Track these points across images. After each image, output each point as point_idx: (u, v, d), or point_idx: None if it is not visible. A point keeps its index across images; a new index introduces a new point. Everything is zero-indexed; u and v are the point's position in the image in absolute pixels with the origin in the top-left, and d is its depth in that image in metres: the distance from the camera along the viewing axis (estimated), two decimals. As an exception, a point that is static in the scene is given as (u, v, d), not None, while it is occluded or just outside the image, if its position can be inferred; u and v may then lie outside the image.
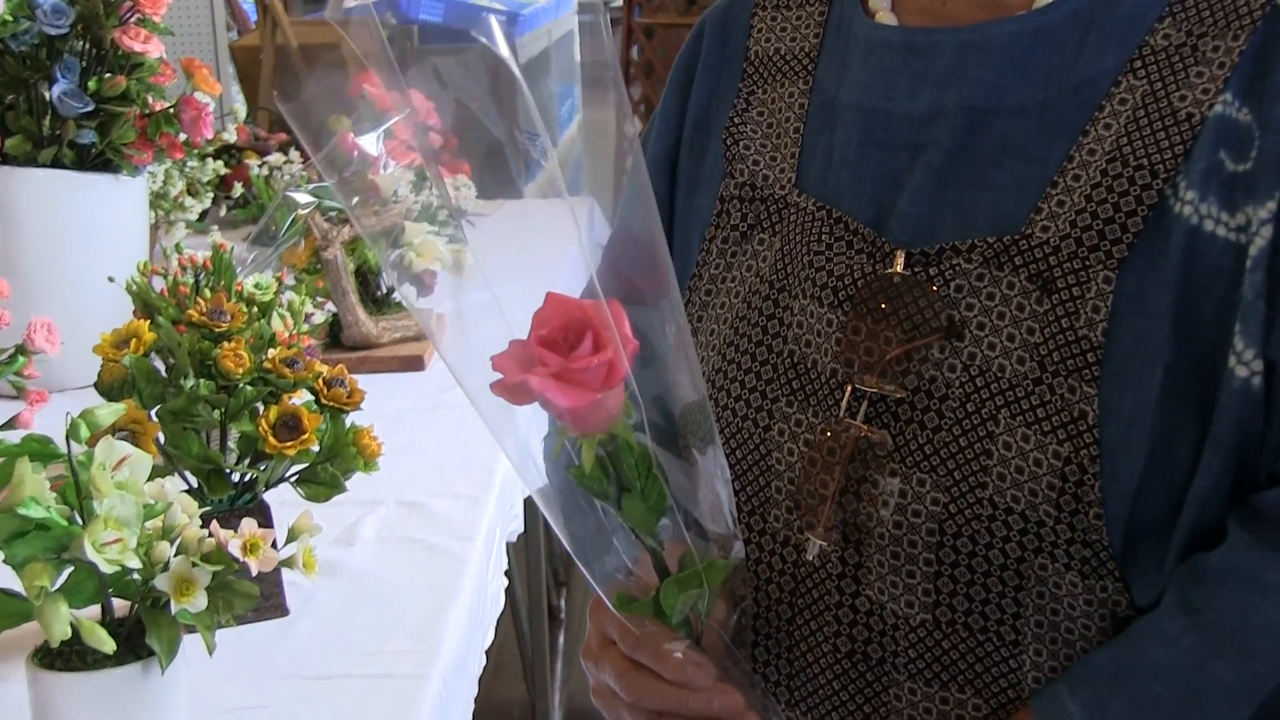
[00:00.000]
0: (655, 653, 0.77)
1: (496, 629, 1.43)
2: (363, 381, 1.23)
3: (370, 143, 1.70)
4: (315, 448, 1.18)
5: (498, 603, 1.44)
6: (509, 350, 0.65)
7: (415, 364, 1.84)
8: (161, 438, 1.16)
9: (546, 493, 0.73)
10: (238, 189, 2.49)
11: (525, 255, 0.79)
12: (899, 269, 0.82)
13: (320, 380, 1.19)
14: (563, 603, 2.96)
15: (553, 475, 0.73)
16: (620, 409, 0.67)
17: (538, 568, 2.33)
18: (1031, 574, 0.78)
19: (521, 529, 1.67)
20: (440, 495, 1.50)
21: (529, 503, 1.76)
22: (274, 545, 0.97)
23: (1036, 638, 0.79)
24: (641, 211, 0.71)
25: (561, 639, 2.84)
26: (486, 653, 1.35)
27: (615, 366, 0.63)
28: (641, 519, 0.70)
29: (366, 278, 1.85)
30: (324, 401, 1.18)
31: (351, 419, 1.21)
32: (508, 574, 1.51)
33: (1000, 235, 0.80)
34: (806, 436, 0.84)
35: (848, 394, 0.82)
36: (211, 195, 2.28)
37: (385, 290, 1.88)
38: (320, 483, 1.20)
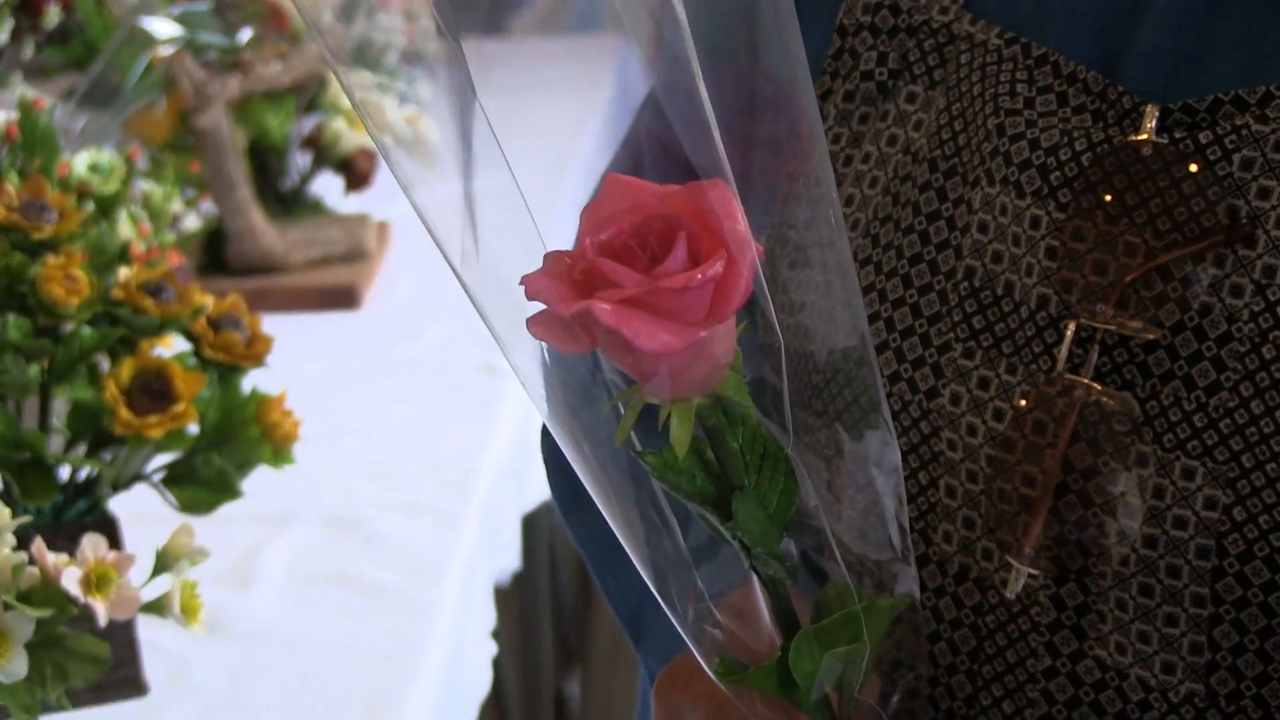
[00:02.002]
0: None
1: (478, 721, 1.45)
2: (265, 324, 1.24)
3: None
4: (194, 427, 1.19)
5: (481, 681, 1.45)
6: (547, 267, 0.65)
7: (345, 299, 1.86)
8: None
9: (617, 499, 0.73)
10: (52, 15, 2.49)
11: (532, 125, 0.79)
12: (1148, 135, 0.82)
13: (202, 319, 1.19)
14: (575, 686, 2.98)
15: (606, 470, 0.74)
16: (731, 356, 0.66)
17: (538, 629, 2.35)
18: None
19: (518, 565, 1.68)
20: (389, 508, 1.51)
21: (528, 524, 1.77)
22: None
23: (1373, 721, 0.79)
24: (769, 30, 0.71)
25: (573, 743, 2.86)
26: (464, 758, 1.37)
27: (728, 286, 0.62)
28: (761, 533, 0.70)
29: (267, 160, 1.85)
30: (208, 353, 1.19)
31: (251, 381, 1.22)
32: (496, 636, 1.52)
33: (1310, 81, 0.80)
34: (998, 405, 0.84)
35: (1068, 336, 0.82)
36: (10, 24, 2.28)
37: (297, 180, 1.89)
38: (201, 483, 1.21)
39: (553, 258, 0.65)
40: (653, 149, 0.97)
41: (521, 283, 0.64)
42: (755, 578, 0.74)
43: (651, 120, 1.00)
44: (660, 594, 0.75)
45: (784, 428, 0.71)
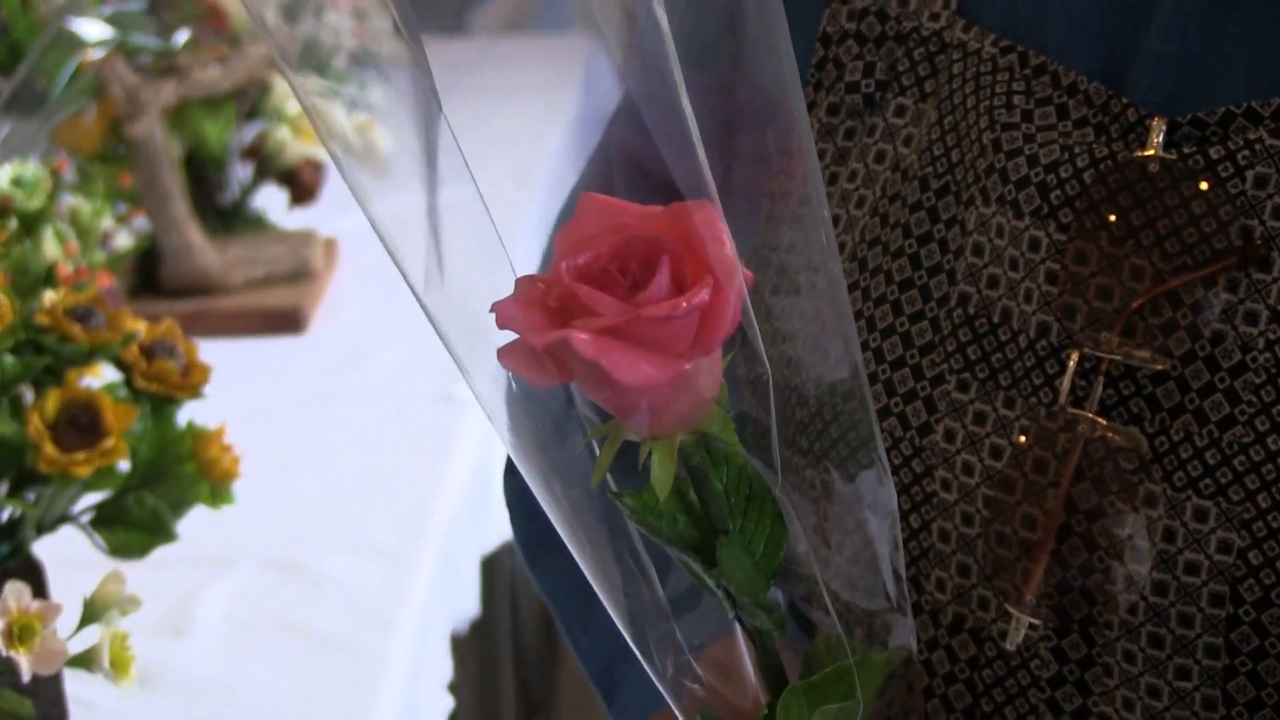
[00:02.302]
0: None
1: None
2: (202, 351, 1.23)
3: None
4: (125, 464, 1.18)
5: (435, 738, 1.45)
6: (519, 293, 0.64)
7: (290, 322, 1.85)
8: None
9: (590, 544, 0.73)
10: (-27, 15, 2.49)
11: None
12: (1155, 150, 0.82)
13: (134, 346, 1.19)
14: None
15: (579, 513, 0.73)
16: (716, 390, 0.66)
17: (499, 680, 2.34)
18: None
19: (477, 612, 1.67)
20: (337, 550, 1.51)
21: (488, 566, 1.76)
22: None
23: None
24: (756, 33, 0.70)
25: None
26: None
27: (714, 315, 0.62)
28: (747, 581, 0.70)
29: (204, 172, 1.84)
30: (141, 383, 1.19)
31: (187, 413, 1.21)
32: (453, 689, 1.51)
33: (1329, 92, 0.80)
34: (995, 441, 0.84)
35: (1071, 367, 0.82)
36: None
37: (238, 194, 1.88)
38: (133, 525, 1.20)
39: (525, 283, 0.64)
40: (624, 164, 0.97)
41: (492, 310, 0.63)
42: (740, 629, 0.73)
43: (624, 132, 1.00)
44: (637, 647, 0.75)
45: (771, 467, 0.70)
